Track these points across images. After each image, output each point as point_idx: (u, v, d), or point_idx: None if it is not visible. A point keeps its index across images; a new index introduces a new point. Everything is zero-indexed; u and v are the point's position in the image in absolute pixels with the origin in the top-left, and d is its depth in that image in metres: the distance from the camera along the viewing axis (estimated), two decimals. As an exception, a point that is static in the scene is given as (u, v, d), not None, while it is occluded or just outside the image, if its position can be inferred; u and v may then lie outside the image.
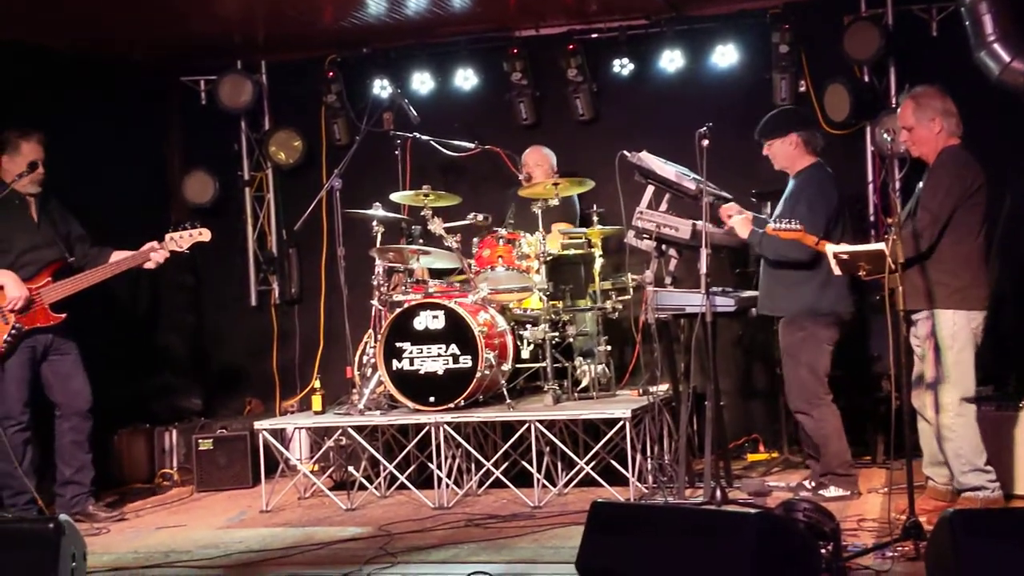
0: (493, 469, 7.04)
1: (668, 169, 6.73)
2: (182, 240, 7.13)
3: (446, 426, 6.99)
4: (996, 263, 7.28)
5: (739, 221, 6.56)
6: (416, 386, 7.14)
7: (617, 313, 7.60)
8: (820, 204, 6.45)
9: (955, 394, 5.83)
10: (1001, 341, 7.05)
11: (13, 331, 6.85)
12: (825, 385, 6.58)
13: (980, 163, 5.90)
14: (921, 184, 5.96)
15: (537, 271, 7.39)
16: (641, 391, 7.24)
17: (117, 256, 7.14)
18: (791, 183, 6.69)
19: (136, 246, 7.17)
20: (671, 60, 8.48)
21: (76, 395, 7.14)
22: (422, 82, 9.03)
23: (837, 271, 5.88)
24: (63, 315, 7.02)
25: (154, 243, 7.11)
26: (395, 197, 7.81)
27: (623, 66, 8.63)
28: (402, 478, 7.19)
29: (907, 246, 5.57)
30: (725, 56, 8.43)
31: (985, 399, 6.33)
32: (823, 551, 4.76)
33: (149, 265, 7.16)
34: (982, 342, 5.96)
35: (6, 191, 6.94)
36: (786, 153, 6.65)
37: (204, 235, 7.18)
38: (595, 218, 7.60)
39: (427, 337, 7.14)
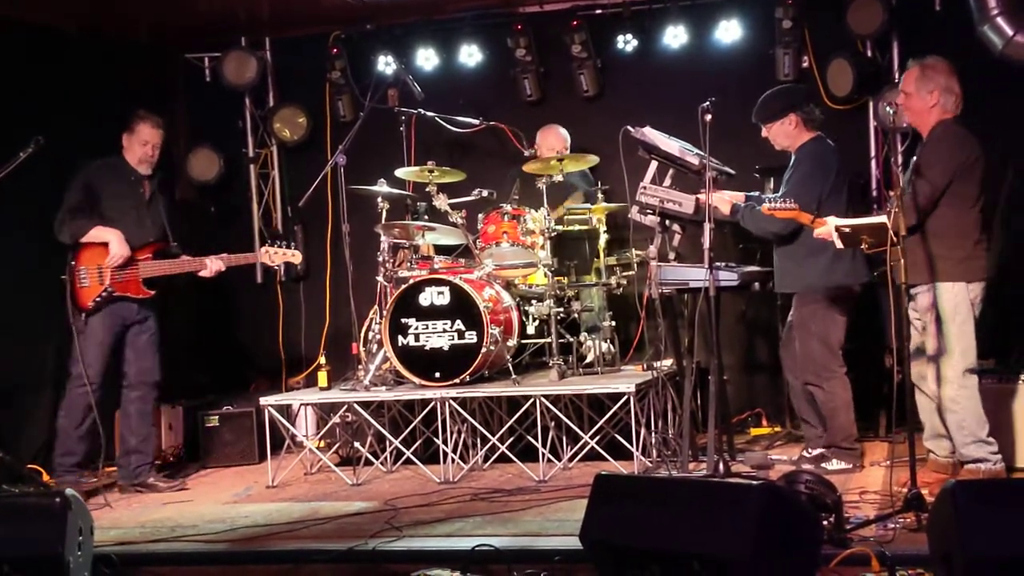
0: (499, 444, 7.08)
1: (672, 144, 6.74)
2: (275, 256, 7.46)
3: (452, 401, 7.03)
4: (1000, 237, 7.29)
5: (718, 198, 6.55)
6: (422, 362, 7.17)
7: (621, 288, 7.64)
8: (815, 178, 6.44)
9: (958, 366, 5.85)
10: (1003, 315, 7.06)
11: (104, 292, 7.10)
12: (839, 357, 6.59)
13: (981, 137, 5.90)
14: (916, 156, 5.97)
15: (542, 247, 7.41)
16: (645, 366, 7.26)
17: (185, 257, 7.38)
18: (792, 159, 6.69)
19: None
20: (675, 36, 8.46)
21: (148, 371, 7.38)
22: (426, 58, 9.01)
23: (839, 244, 5.87)
24: (152, 292, 7.26)
25: (216, 256, 7.35)
26: (400, 173, 7.82)
27: (627, 42, 8.61)
28: (408, 453, 7.22)
29: (908, 215, 5.58)
30: (729, 32, 8.41)
31: (987, 372, 6.33)
32: (825, 522, 4.81)
33: (204, 273, 7.37)
34: (985, 315, 5.98)
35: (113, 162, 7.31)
36: (786, 133, 6.64)
37: (296, 257, 7.55)
38: (599, 194, 7.62)
39: (432, 313, 7.16)
